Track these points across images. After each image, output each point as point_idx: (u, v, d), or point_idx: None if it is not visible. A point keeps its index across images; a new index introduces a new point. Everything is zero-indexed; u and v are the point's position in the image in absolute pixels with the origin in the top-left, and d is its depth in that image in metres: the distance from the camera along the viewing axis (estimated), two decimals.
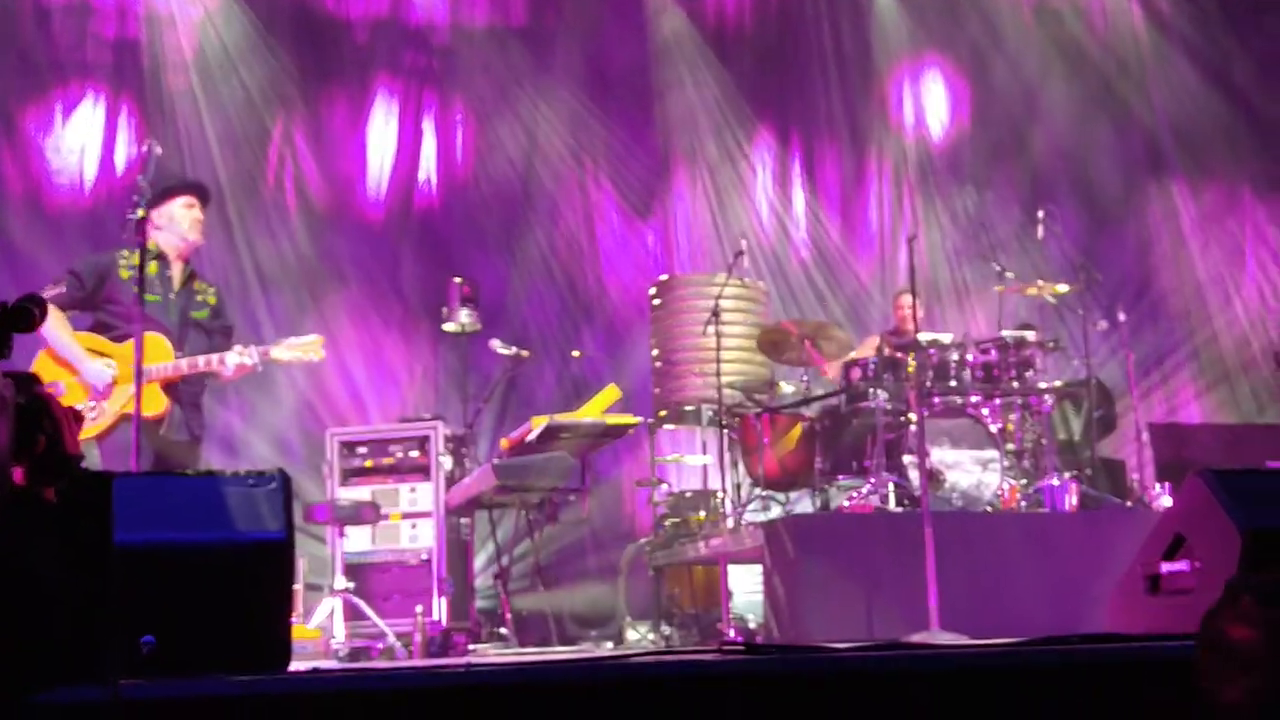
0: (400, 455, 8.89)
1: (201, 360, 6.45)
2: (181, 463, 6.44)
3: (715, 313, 8.44)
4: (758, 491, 8.35)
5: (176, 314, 6.58)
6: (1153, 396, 11.58)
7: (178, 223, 6.67)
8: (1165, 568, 4.11)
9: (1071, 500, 7.55)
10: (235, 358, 6.45)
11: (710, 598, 8.76)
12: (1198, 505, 4.03)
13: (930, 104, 12.67)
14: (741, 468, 8.59)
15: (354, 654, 7.79)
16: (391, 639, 7.74)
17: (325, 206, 11.31)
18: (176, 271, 6.67)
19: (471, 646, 8.44)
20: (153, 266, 6.47)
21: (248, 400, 10.42)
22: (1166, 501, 7.69)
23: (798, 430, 8.21)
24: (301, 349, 6.65)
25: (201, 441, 6.70)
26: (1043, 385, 8.04)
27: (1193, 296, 12.26)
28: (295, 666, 3.56)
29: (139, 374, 5.50)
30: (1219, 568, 3.85)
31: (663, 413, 9.55)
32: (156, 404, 6.35)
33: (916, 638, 5.75)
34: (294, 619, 7.61)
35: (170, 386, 6.45)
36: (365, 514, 8.16)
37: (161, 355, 6.36)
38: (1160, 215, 12.44)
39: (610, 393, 8.06)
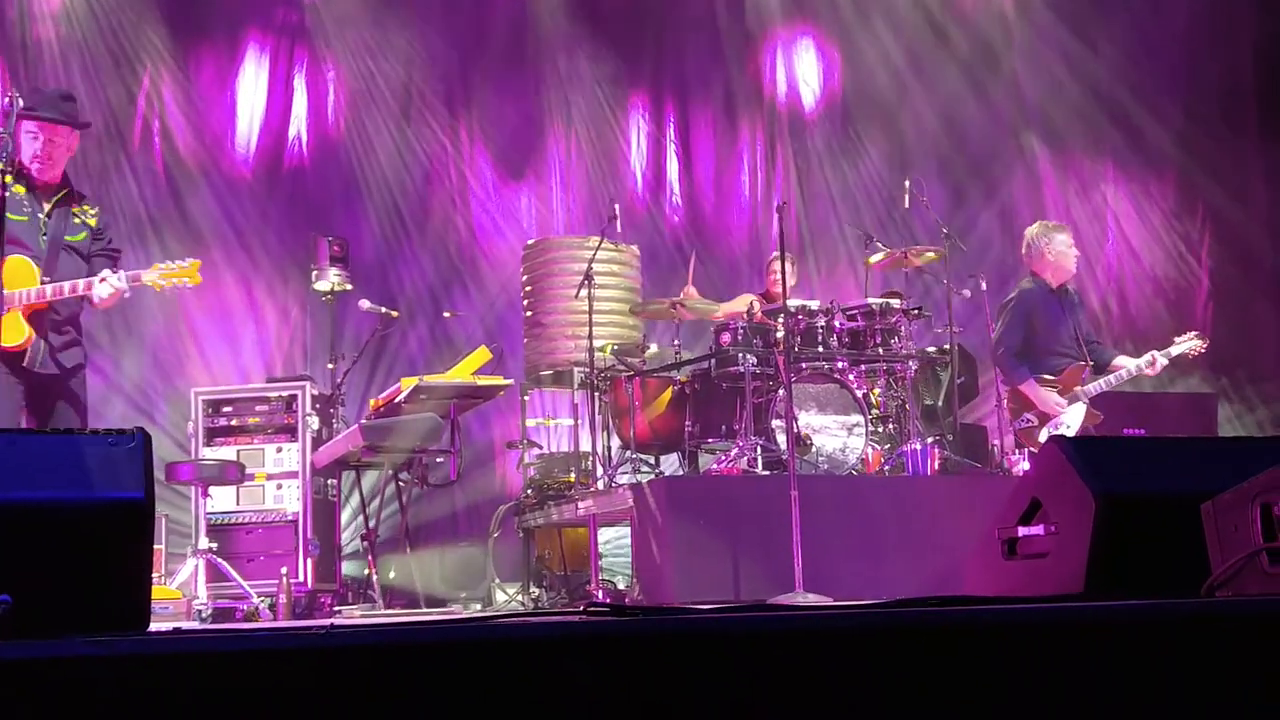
0: (267, 415, 8.80)
1: (67, 286, 5.94)
2: (60, 398, 6.01)
3: (588, 276, 8.43)
4: (628, 454, 8.39)
5: (46, 235, 6.03)
6: None
7: (58, 149, 6.10)
8: (1022, 531, 4.17)
9: (933, 465, 7.69)
10: (105, 287, 5.93)
11: (580, 559, 8.80)
12: (1053, 471, 4.09)
13: (802, 72, 12.77)
14: (612, 430, 8.63)
15: (218, 615, 7.71)
16: (255, 600, 7.67)
17: (193, 162, 11.12)
18: (48, 191, 6.10)
19: (337, 608, 8.41)
20: (20, 187, 5.95)
21: (109, 357, 10.23)
22: (1025, 467, 7.85)
23: (668, 394, 8.26)
24: (177, 274, 6.14)
25: (77, 374, 6.16)
26: (907, 352, 8.17)
27: None
28: (156, 627, 3.51)
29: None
30: (1074, 532, 3.94)
31: (534, 375, 9.54)
32: (17, 334, 5.86)
33: (782, 599, 5.82)
34: (155, 580, 7.52)
35: (34, 315, 5.95)
36: (230, 474, 8.05)
37: (25, 279, 5.87)
38: (1024, 186, 12.68)
39: (481, 354, 8.03)
